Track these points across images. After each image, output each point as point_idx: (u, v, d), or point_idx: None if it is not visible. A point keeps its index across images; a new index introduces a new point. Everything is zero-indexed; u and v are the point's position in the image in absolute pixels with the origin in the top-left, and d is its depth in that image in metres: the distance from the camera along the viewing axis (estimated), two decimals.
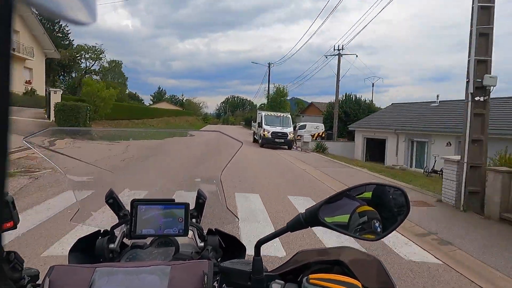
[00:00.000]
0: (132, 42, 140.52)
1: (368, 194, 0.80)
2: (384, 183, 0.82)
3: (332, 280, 0.67)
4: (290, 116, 22.91)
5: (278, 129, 20.29)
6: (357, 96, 33.20)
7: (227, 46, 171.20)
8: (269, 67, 38.44)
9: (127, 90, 53.64)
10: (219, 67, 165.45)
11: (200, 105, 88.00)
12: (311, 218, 0.76)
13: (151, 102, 72.02)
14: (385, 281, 0.80)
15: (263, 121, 20.81)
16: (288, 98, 37.63)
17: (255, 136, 23.44)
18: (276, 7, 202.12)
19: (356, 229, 0.76)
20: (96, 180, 1.30)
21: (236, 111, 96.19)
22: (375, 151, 21.89)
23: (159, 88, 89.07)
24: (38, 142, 1.21)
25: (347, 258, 0.83)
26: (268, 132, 19.95)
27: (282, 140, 20.05)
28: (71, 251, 1.03)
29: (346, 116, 30.53)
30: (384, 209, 0.78)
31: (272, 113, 22.52)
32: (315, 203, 0.78)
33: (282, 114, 22.47)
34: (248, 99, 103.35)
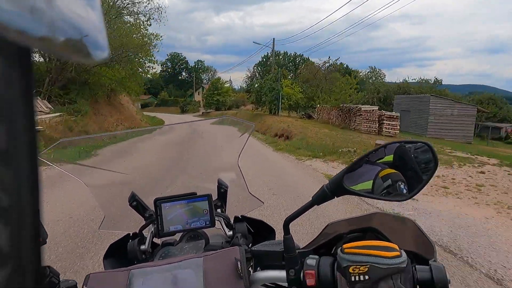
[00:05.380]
0: (168, 17, 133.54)
1: (389, 158, 0.77)
2: (405, 140, 0.77)
3: (367, 246, 0.64)
4: None
5: None
6: None
7: (263, 19, 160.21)
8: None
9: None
10: (255, 41, 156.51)
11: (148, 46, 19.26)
12: (336, 188, 0.73)
13: None
14: (422, 241, 0.78)
15: None
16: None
17: None
18: None
19: (381, 194, 0.74)
20: (115, 185, 1.31)
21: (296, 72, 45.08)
22: None
23: None
24: (54, 156, 1.21)
25: (379, 223, 0.81)
26: None
27: None
28: (105, 257, 1.05)
29: None
30: (408, 169, 0.75)
31: None
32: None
33: None
34: (300, 53, 60.98)
